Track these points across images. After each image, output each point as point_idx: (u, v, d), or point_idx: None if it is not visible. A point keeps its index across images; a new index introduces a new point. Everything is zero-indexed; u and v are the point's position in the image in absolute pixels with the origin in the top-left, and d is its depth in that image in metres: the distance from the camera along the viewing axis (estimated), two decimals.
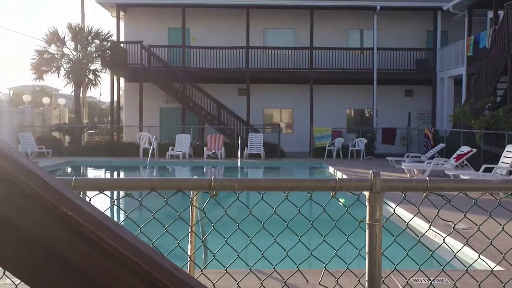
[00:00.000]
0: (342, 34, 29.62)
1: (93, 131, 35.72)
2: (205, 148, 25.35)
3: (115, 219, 11.33)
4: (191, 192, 3.56)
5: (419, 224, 8.89)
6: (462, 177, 14.25)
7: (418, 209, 2.96)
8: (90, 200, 2.58)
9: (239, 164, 22.50)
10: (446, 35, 28.71)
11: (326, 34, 28.94)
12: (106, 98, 53.75)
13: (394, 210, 3.14)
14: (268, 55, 28.39)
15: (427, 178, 2.77)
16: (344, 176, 16.75)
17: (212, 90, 27.73)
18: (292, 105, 30.03)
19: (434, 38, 28.32)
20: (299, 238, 3.16)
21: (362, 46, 29.77)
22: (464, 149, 18.28)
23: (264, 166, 24.06)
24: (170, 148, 25.19)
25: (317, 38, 28.02)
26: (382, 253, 2.81)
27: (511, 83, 19.17)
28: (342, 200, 3.25)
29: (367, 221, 2.76)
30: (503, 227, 3.16)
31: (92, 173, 23.03)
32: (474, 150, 17.78)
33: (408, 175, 17.81)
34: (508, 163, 14.81)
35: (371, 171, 2.74)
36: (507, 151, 15.33)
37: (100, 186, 2.75)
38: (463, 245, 4.98)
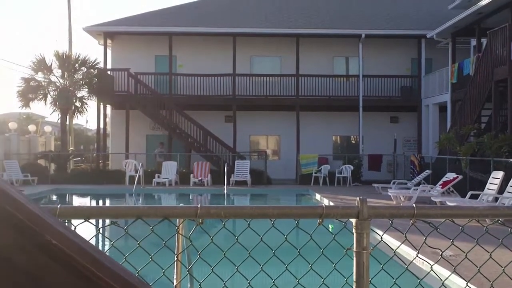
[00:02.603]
0: (328, 62, 29.88)
1: (79, 158, 35.53)
2: (191, 175, 25.29)
3: (101, 247, 11.22)
4: (177, 219, 3.53)
5: (407, 252, 8.86)
6: (449, 203, 14.26)
7: (405, 236, 2.96)
8: (75, 228, 2.55)
9: (225, 191, 22.41)
10: (430, 62, 29.03)
11: (312, 61, 29.18)
12: (92, 125, 53.60)
13: (381, 237, 3.14)
14: (255, 82, 28.54)
15: (414, 205, 2.77)
16: (331, 203, 16.74)
17: (199, 117, 27.76)
18: (278, 132, 30.10)
19: (419, 65, 28.64)
20: (286, 266, 3.13)
21: (348, 73, 29.99)
22: (450, 175, 18.36)
23: (251, 193, 24.02)
24: (156, 175, 25.12)
25: (303, 65, 28.24)
26: (370, 281, 2.79)
27: (495, 110, 19.37)
28: (330, 227, 3.25)
29: (354, 249, 2.74)
30: (490, 254, 3.16)
31: (77, 201, 22.83)
32: (460, 176, 17.87)
33: (394, 202, 17.83)
34: (494, 190, 14.87)
35: (358, 198, 2.74)
36: (492, 177, 15.41)
37: (85, 214, 2.72)
38: (451, 273, 4.97)
